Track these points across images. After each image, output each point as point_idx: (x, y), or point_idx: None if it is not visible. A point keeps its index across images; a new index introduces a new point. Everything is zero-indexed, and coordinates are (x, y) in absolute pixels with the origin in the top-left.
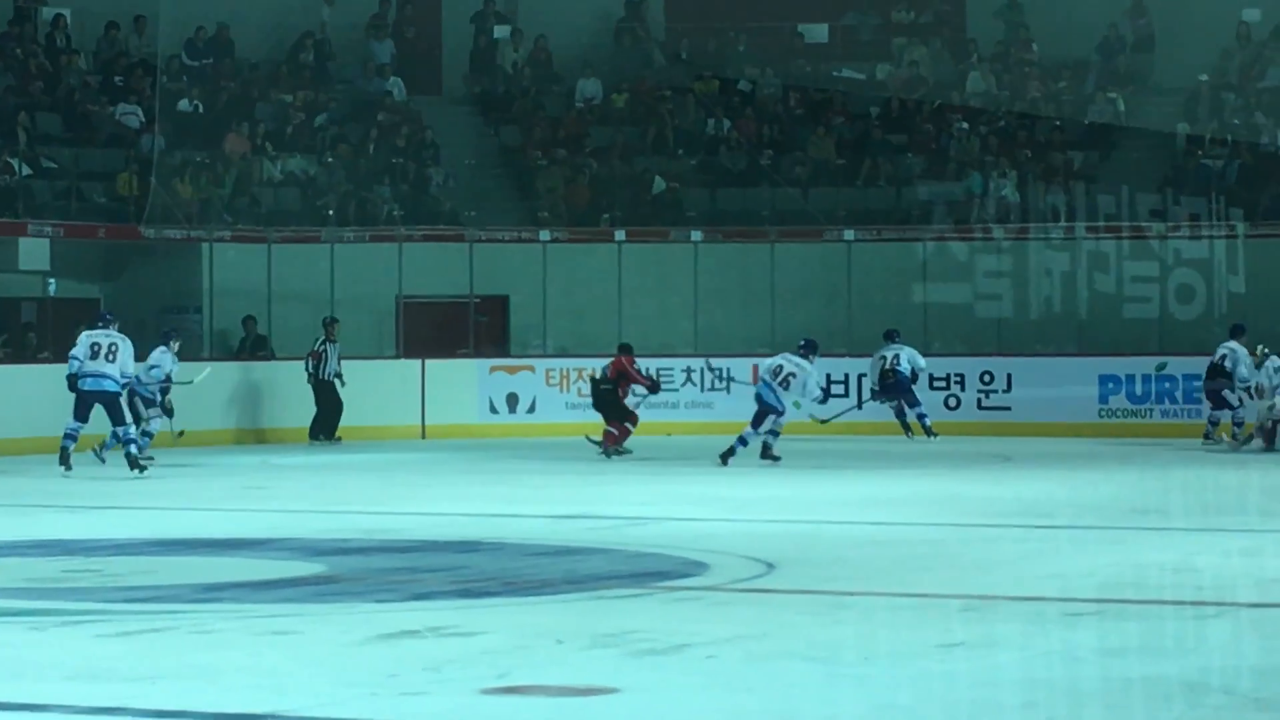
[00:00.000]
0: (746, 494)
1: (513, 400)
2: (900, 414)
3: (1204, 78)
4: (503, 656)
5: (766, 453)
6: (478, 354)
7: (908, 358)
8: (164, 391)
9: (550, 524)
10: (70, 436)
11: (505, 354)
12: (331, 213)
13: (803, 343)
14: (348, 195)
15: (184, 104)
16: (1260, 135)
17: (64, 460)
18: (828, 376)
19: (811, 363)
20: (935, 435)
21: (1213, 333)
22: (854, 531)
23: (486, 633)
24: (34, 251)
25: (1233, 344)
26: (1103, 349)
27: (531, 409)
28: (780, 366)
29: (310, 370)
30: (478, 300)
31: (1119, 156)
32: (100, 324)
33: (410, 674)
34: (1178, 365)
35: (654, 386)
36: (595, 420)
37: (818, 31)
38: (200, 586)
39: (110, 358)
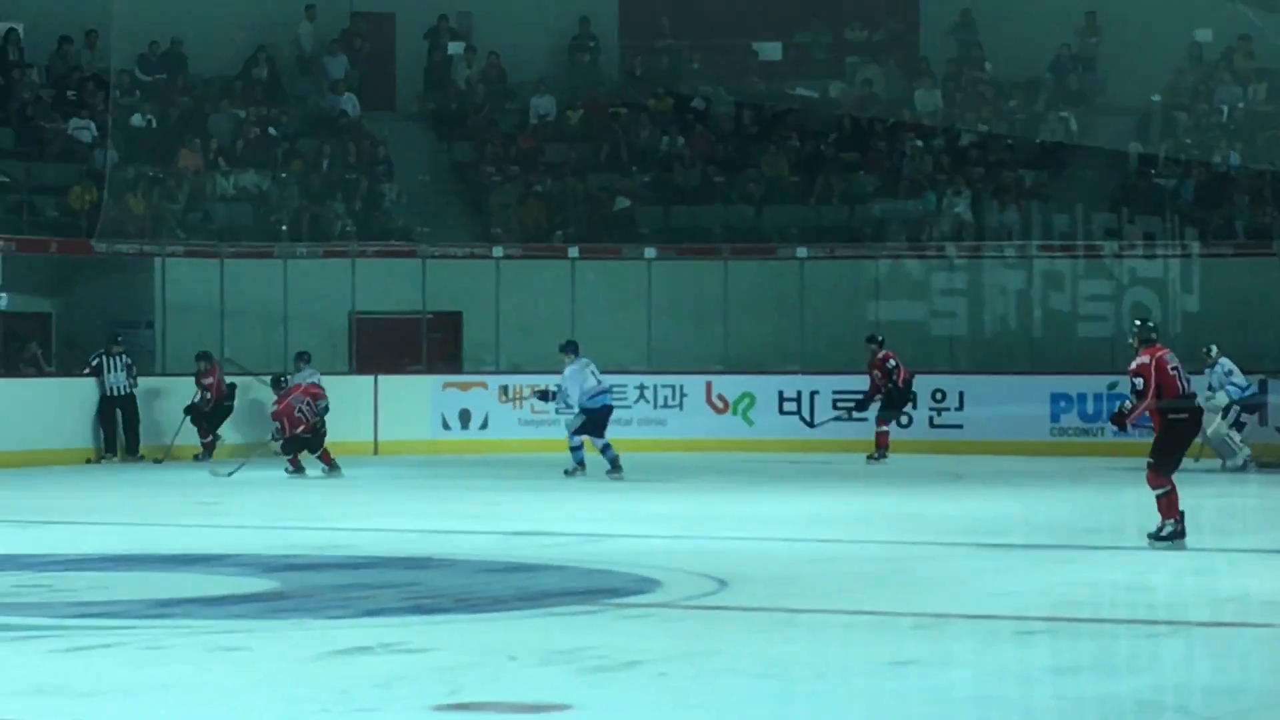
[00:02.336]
0: (698, 511)
1: (465, 416)
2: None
3: (1156, 98)
4: (455, 673)
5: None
6: (431, 370)
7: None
8: None
9: (503, 540)
10: None
11: (458, 370)
12: (285, 228)
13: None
14: (301, 211)
15: (137, 118)
16: (1213, 155)
17: None
18: (780, 394)
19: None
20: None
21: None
22: (806, 549)
23: (438, 649)
24: None
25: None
26: (1058, 367)
27: (484, 425)
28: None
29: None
30: (430, 316)
31: (1071, 175)
32: None
33: (362, 690)
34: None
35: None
36: (549, 436)
37: (771, 49)
38: (152, 602)
39: None
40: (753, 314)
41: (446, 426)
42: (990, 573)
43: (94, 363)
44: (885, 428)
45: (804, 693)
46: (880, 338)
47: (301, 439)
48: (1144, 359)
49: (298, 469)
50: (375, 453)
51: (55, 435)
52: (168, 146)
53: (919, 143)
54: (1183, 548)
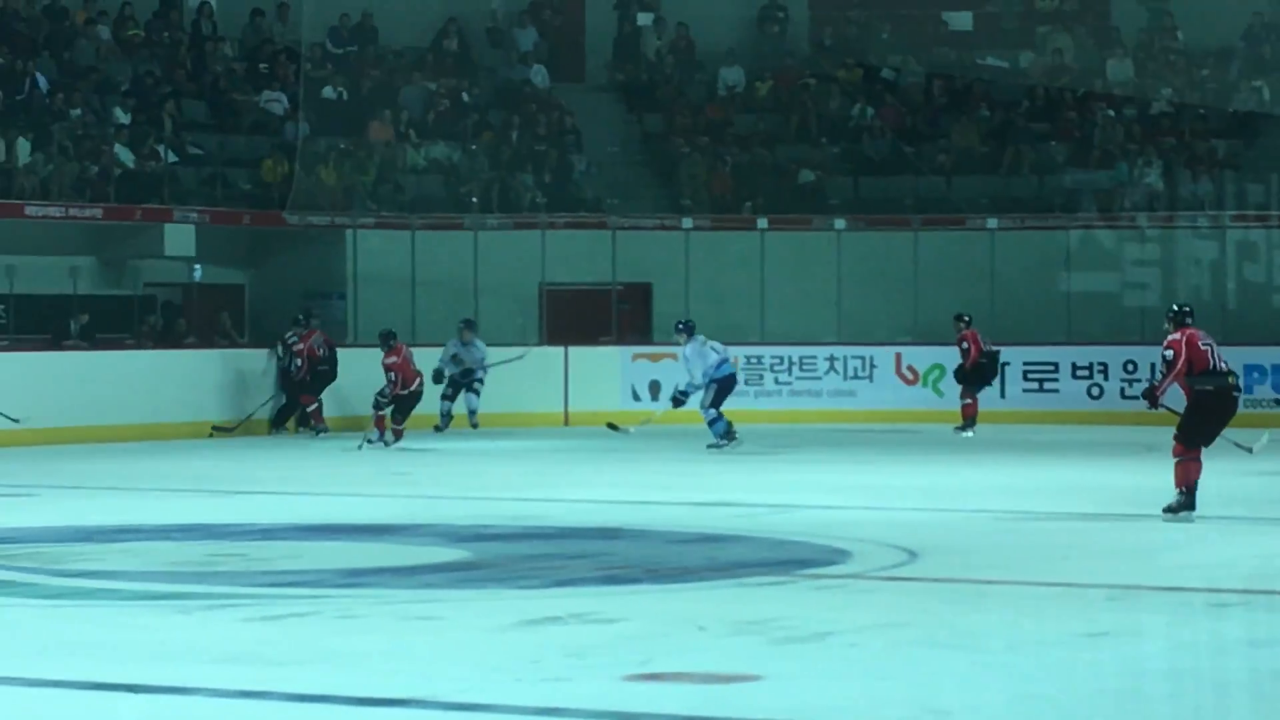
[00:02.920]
0: (888, 482)
1: (655, 388)
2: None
3: None
4: (645, 643)
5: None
6: (620, 341)
7: None
8: None
9: (693, 511)
10: None
11: (648, 341)
12: (475, 200)
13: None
14: (491, 182)
15: (328, 91)
16: None
17: None
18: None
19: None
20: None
21: None
22: (996, 520)
23: (629, 619)
24: (179, 237)
25: None
26: (1252, 338)
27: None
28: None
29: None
30: (620, 288)
31: (1264, 145)
32: None
33: (553, 660)
34: None
35: (678, 401)
36: (740, 407)
37: (962, 19)
38: (344, 571)
39: None
40: (942, 285)
41: (636, 397)
42: (1182, 544)
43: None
44: (968, 400)
45: (996, 664)
46: (967, 317)
47: (402, 400)
48: (1175, 335)
49: (383, 430)
50: (565, 423)
51: (248, 405)
52: (358, 119)
53: (1110, 112)
54: (1190, 520)
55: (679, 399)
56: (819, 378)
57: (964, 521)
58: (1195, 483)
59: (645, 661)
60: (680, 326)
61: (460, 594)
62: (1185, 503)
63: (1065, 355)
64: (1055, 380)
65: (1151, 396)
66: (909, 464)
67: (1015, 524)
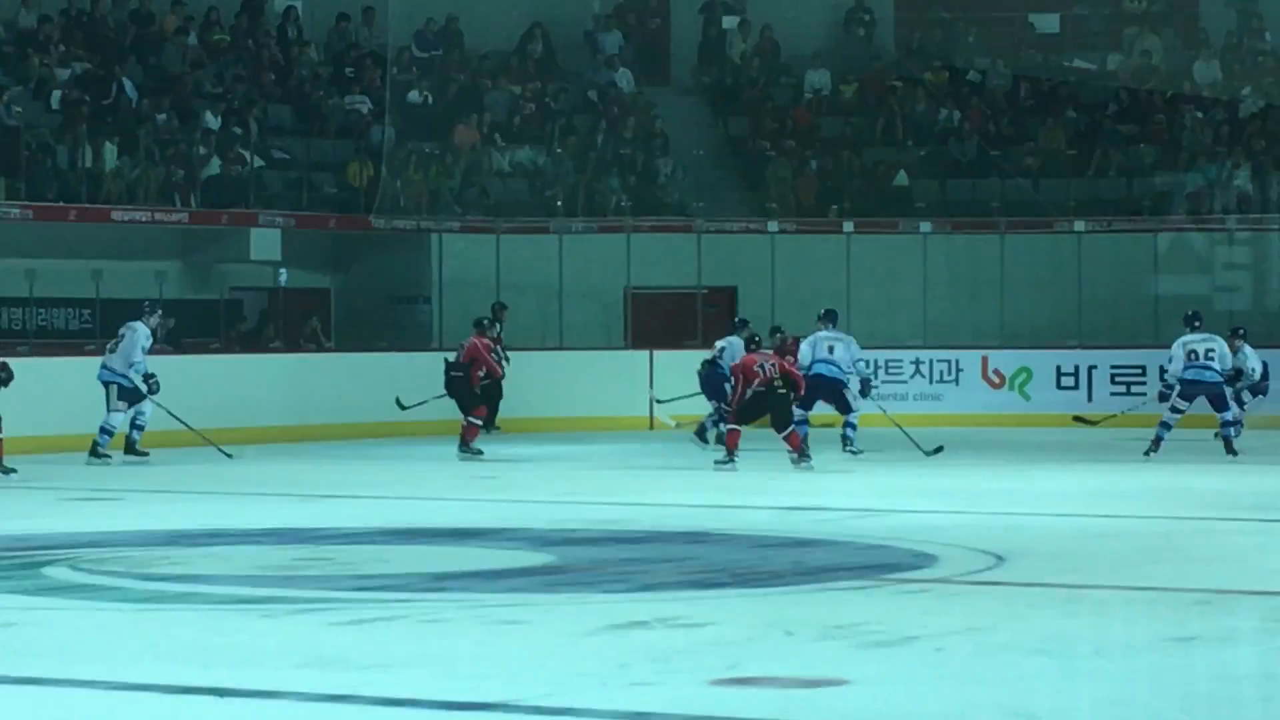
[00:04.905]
0: (973, 486)
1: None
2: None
3: None
4: (732, 648)
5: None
6: (706, 345)
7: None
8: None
9: (778, 515)
10: (132, 425)
11: None
12: (560, 204)
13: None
14: (576, 186)
15: (413, 95)
16: None
17: (127, 450)
18: (1057, 369)
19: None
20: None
21: None
22: (1083, 524)
23: (715, 624)
24: (265, 242)
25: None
26: None
27: None
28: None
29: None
30: (705, 291)
31: None
32: (142, 313)
33: (640, 664)
34: None
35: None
36: (825, 411)
37: (1048, 21)
38: (430, 575)
39: (113, 349)
40: (1029, 288)
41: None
42: (1274, 549)
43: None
44: None
45: (1085, 669)
46: None
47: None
48: None
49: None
50: (651, 427)
51: (335, 410)
52: (444, 122)
53: (1198, 114)
54: None
55: (865, 388)
56: (905, 381)
57: (1051, 526)
58: None
59: (732, 666)
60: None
61: (546, 598)
62: None
63: (1154, 358)
64: (1143, 384)
65: None
66: (996, 468)
67: (1103, 528)
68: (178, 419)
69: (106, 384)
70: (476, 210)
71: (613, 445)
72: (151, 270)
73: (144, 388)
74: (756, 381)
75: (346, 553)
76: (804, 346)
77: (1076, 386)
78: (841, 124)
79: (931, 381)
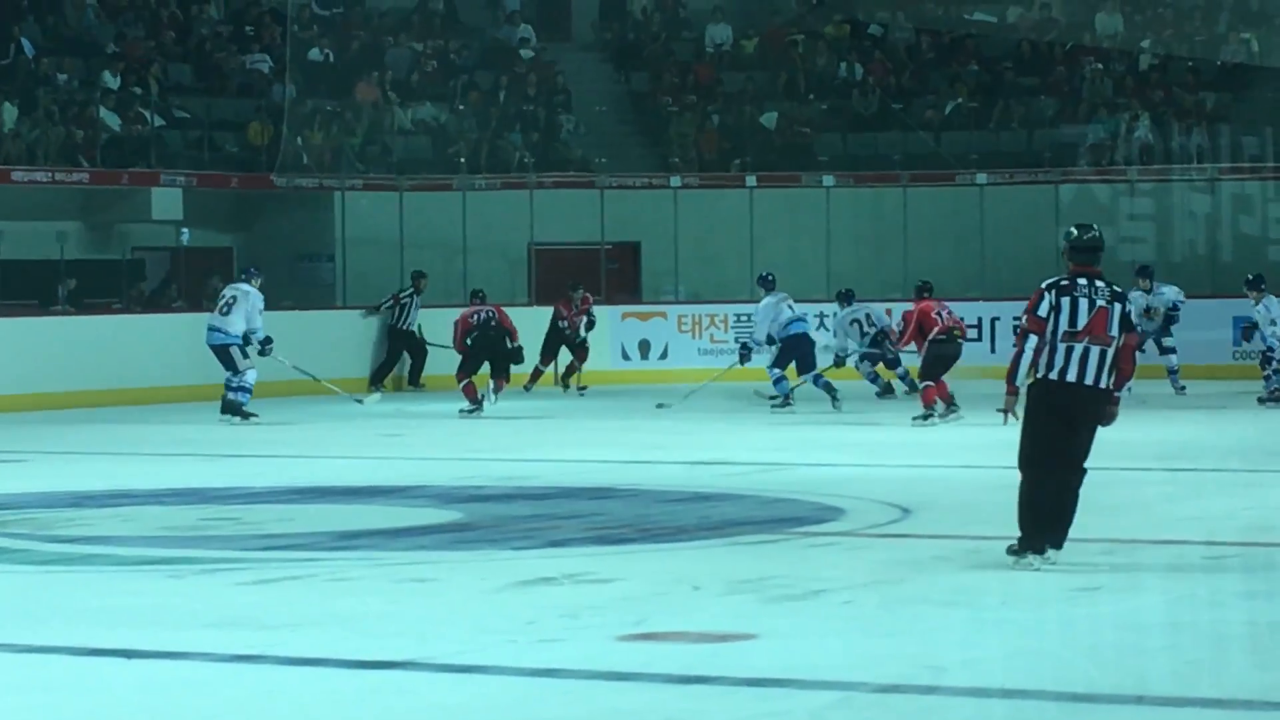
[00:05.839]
0: (879, 439)
1: (645, 347)
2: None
3: None
4: (640, 603)
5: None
6: (609, 301)
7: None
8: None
9: (685, 470)
10: (228, 387)
11: (637, 300)
12: (463, 160)
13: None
14: (479, 143)
15: (314, 53)
16: None
17: (225, 410)
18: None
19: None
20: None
21: None
22: (989, 476)
23: (623, 579)
24: (167, 201)
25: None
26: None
27: (664, 355)
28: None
29: (391, 320)
30: (609, 247)
31: (1253, 96)
32: (241, 277)
33: (548, 621)
34: None
35: (744, 356)
36: (721, 366)
37: None
38: (338, 534)
39: (224, 311)
40: (932, 241)
41: (626, 357)
42: (1179, 498)
43: (396, 300)
44: None
45: (993, 620)
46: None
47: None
48: None
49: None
50: (556, 383)
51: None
52: (345, 80)
53: (1099, 66)
54: None
55: (744, 354)
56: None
57: (958, 478)
58: None
59: (640, 621)
60: (761, 279)
61: (454, 555)
62: None
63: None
64: None
65: None
66: (901, 421)
67: (1008, 480)
68: (303, 371)
69: (221, 347)
70: (379, 168)
71: (519, 402)
72: (53, 231)
73: (264, 350)
74: (935, 330)
75: (253, 512)
76: (765, 310)
77: (980, 338)
78: (744, 79)
79: (834, 334)
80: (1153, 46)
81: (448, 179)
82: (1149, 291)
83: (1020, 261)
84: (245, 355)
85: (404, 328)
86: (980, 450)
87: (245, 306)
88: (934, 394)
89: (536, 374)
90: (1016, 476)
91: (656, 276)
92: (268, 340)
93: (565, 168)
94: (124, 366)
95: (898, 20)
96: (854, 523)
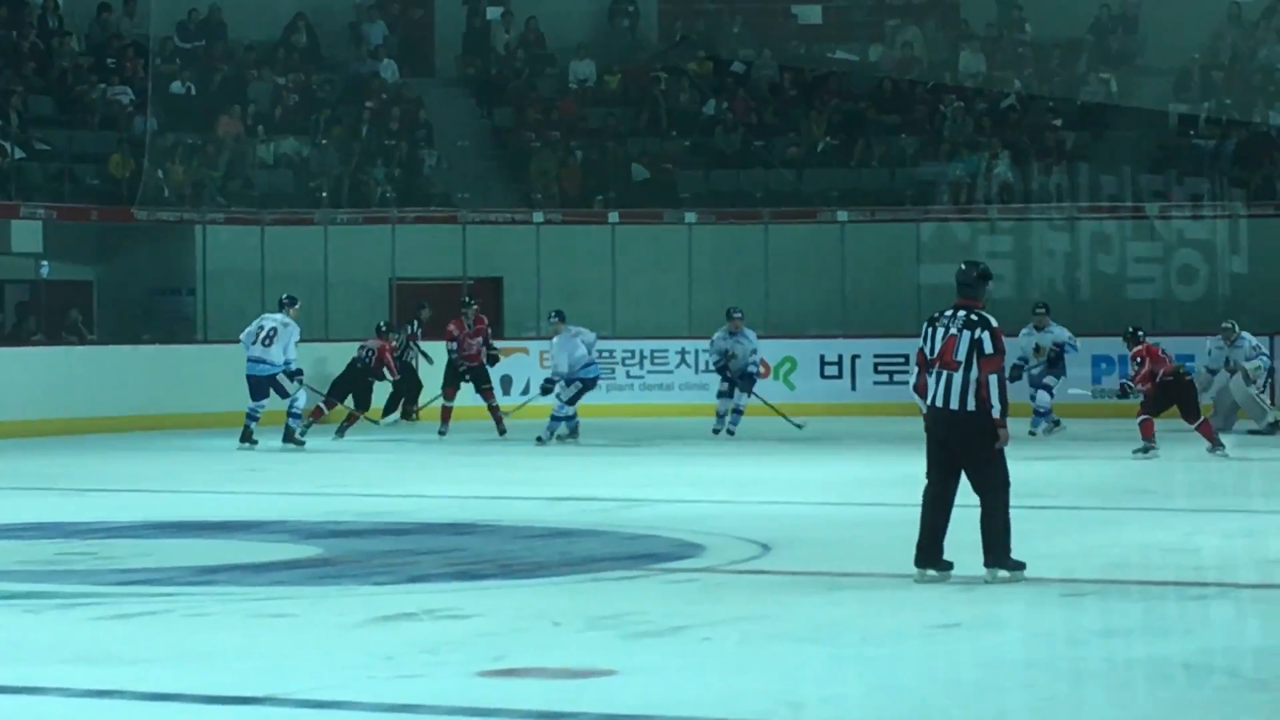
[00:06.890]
0: (739, 475)
1: (507, 382)
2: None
3: (1196, 57)
4: (499, 639)
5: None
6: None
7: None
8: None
9: (545, 506)
10: (250, 416)
11: (499, 336)
12: (325, 195)
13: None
14: (341, 177)
15: (176, 86)
16: (1253, 115)
17: (244, 438)
18: (821, 358)
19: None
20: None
21: (1215, 313)
22: (849, 513)
23: (483, 615)
24: (26, 234)
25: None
26: (1103, 329)
27: (525, 391)
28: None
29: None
30: (471, 282)
31: (1112, 136)
32: (280, 307)
33: (407, 657)
34: (1173, 345)
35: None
36: (591, 401)
37: (811, 12)
38: (196, 569)
39: (267, 342)
40: (794, 278)
41: None
42: (1037, 535)
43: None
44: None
45: (852, 656)
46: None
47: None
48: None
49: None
50: (414, 418)
51: (98, 403)
52: (207, 113)
53: (959, 104)
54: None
55: (547, 387)
56: (670, 371)
57: (817, 514)
58: None
59: (500, 657)
60: (552, 317)
61: (312, 591)
62: None
63: (917, 347)
64: (906, 373)
65: None
66: (761, 457)
67: (868, 516)
68: (318, 393)
69: (268, 377)
70: (241, 201)
71: (379, 437)
72: None
73: (295, 381)
74: (1163, 371)
75: (110, 547)
76: (569, 345)
77: (840, 375)
78: (606, 115)
79: (697, 371)
80: (1013, 86)
81: (309, 213)
82: (1040, 329)
83: (881, 299)
84: (284, 385)
85: (406, 360)
86: (839, 487)
87: (285, 339)
88: (1150, 427)
89: (446, 413)
90: (874, 513)
91: (518, 312)
92: (299, 371)
93: (427, 202)
94: None
95: (761, 58)
96: (714, 559)
